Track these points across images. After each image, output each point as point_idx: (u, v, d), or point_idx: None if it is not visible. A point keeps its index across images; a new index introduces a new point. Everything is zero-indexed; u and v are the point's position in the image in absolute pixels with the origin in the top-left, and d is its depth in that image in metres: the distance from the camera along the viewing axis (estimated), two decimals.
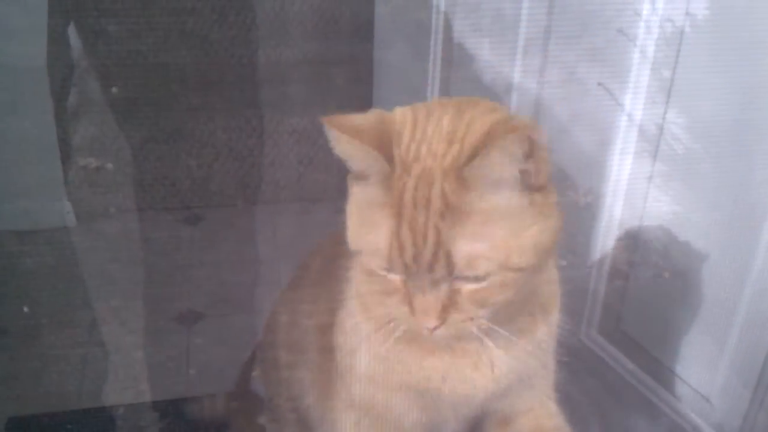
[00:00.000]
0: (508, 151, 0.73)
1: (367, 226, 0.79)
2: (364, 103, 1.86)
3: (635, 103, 1.26)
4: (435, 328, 0.78)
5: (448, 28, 1.55)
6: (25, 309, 1.79)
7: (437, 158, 0.76)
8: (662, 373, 1.23)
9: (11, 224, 2.02)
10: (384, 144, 0.77)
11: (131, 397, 1.63)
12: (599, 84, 1.32)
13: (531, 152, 0.75)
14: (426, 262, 0.75)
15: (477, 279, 0.76)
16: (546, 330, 0.90)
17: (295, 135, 2.16)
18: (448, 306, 0.77)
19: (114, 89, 1.95)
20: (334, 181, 2.20)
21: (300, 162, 2.18)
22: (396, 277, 0.78)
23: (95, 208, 2.09)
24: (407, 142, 0.78)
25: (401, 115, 0.81)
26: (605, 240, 1.27)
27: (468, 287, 0.77)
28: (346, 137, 0.77)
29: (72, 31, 1.88)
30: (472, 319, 0.78)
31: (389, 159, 0.76)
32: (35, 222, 2.04)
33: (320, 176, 2.21)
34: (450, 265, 0.75)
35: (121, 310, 1.83)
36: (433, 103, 0.82)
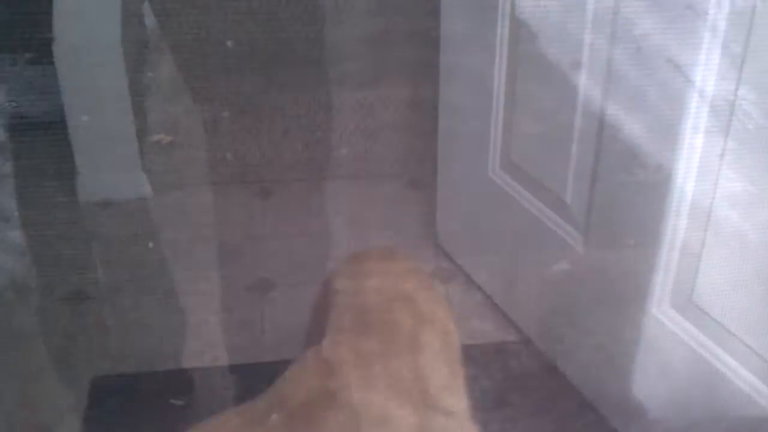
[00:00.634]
0: None
1: None
2: (431, 80, 1.90)
3: (706, 79, 1.26)
4: None
5: (513, 3, 1.57)
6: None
7: None
8: (735, 345, 1.26)
9: (92, 196, 2.12)
10: None
11: (208, 360, 1.71)
12: (668, 60, 1.33)
13: None
14: None
15: None
16: None
17: (362, 110, 2.21)
18: None
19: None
20: (401, 156, 2.26)
21: (368, 137, 2.23)
22: None
23: (170, 180, 2.18)
24: None
25: None
26: (676, 218, 1.29)
27: None
28: None
29: (147, 9, 1.95)
30: None
31: None
32: (114, 193, 2.14)
33: (387, 151, 2.26)
34: None
35: (196, 278, 1.91)
36: None
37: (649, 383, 1.46)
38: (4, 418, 1.53)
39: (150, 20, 1.98)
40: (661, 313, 1.38)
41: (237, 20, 2.06)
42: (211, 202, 2.17)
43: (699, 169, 1.26)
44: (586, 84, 1.40)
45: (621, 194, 1.40)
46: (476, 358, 1.76)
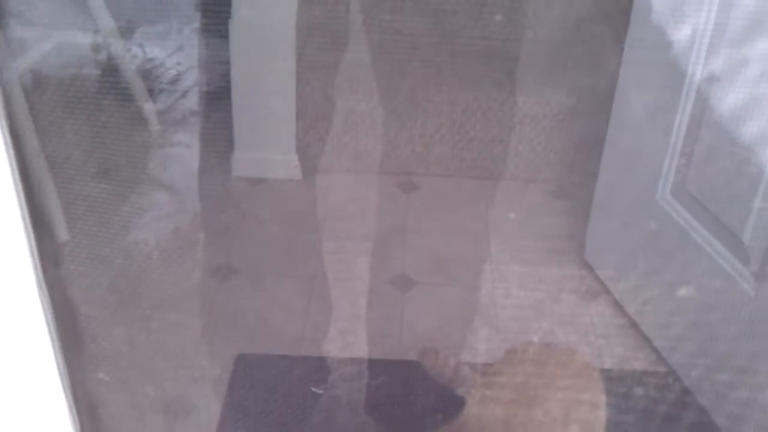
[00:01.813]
0: None
1: None
2: (607, 89, 1.83)
3: None
4: None
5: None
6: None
7: None
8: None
9: (244, 171, 2.16)
10: None
11: (348, 351, 1.73)
12: None
13: None
14: None
15: None
16: None
17: (519, 115, 2.17)
18: None
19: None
20: (550, 164, 2.21)
21: (520, 141, 2.18)
22: None
23: (320, 165, 2.20)
24: None
25: None
26: None
27: None
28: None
29: None
30: None
31: None
32: (265, 171, 2.18)
33: (537, 158, 2.21)
34: None
35: (339, 266, 1.92)
36: None
37: None
38: (147, 391, 1.57)
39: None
40: None
41: (406, 11, 2.06)
42: (356, 190, 2.18)
43: None
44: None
45: None
46: (615, 385, 1.72)
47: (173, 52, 2.01)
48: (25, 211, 0.86)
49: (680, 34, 1.53)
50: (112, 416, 1.43)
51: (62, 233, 1.72)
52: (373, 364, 1.70)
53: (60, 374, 0.80)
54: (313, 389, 1.61)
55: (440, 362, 1.02)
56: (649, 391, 1.67)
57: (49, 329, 0.81)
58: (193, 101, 1.98)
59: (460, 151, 2.21)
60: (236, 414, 1.57)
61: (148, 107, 2.02)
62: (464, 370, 1.05)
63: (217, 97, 1.99)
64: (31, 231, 0.90)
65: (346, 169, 2.21)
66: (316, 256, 1.95)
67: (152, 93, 2.01)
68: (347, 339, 1.76)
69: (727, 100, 1.46)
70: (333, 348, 1.73)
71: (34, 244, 0.94)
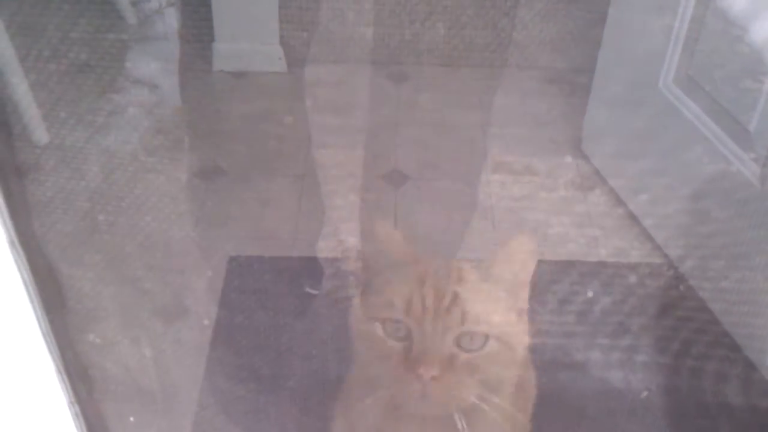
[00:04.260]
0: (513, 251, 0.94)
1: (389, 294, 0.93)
2: None
3: None
4: (433, 379, 0.88)
5: None
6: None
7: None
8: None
9: (226, 65, 2.07)
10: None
11: (341, 249, 1.69)
12: None
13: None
14: (444, 308, 0.90)
15: (475, 348, 0.90)
16: None
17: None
18: (447, 365, 0.89)
19: None
20: (547, 49, 2.12)
21: (514, 27, 2.09)
22: (396, 343, 0.91)
23: (305, 56, 2.11)
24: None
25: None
26: None
27: (464, 355, 0.90)
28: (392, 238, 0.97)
29: None
30: (464, 390, 0.91)
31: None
32: (248, 64, 2.08)
33: (533, 43, 2.12)
34: (463, 314, 0.90)
35: (329, 163, 1.87)
36: None
37: None
38: (140, 293, 1.55)
39: None
40: None
41: None
42: (345, 81, 2.10)
43: None
44: None
45: None
46: (612, 276, 1.70)
47: None
48: None
49: None
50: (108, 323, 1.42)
51: (42, 136, 1.66)
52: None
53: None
54: (308, 290, 1.58)
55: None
56: (645, 281, 1.67)
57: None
58: None
59: (451, 38, 2.12)
60: (231, 315, 1.56)
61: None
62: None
63: None
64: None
65: (332, 59, 2.12)
66: (304, 153, 1.89)
67: None
68: (340, 237, 1.73)
69: None
70: (326, 247, 1.70)
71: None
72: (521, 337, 0.95)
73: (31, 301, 0.75)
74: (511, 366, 0.96)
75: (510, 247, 0.95)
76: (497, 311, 0.93)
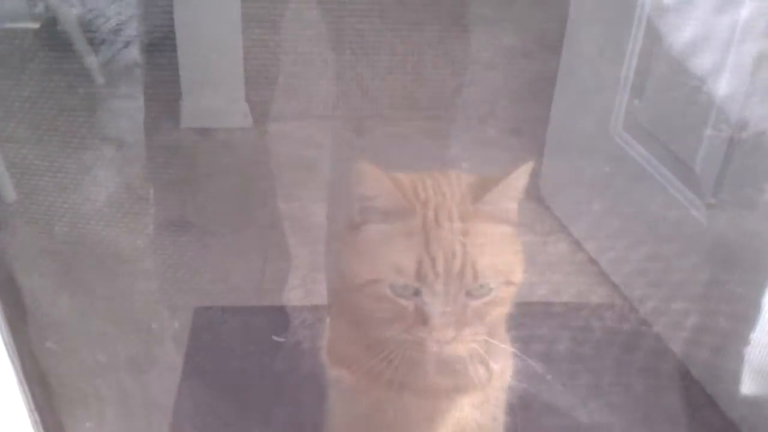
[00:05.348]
0: (516, 183, 0.90)
1: (389, 254, 0.90)
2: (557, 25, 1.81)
3: None
4: (450, 341, 0.89)
5: None
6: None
7: (450, 196, 0.92)
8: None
9: (193, 121, 2.11)
10: (404, 188, 0.92)
11: (309, 298, 1.71)
12: None
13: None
14: (456, 271, 0.88)
15: (484, 294, 0.90)
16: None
17: (472, 56, 2.14)
18: (461, 320, 0.89)
19: None
20: (505, 102, 2.18)
21: (473, 81, 2.16)
22: (406, 302, 0.89)
23: (270, 112, 2.16)
24: (421, 188, 0.93)
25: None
26: None
27: (475, 302, 0.90)
28: (379, 178, 0.90)
29: None
30: (477, 335, 0.91)
31: (410, 199, 0.91)
32: (215, 120, 2.13)
33: (493, 96, 2.19)
34: (475, 273, 0.88)
35: (296, 213, 1.90)
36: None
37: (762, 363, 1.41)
38: (106, 343, 1.55)
39: None
40: None
41: None
42: (309, 135, 2.14)
43: None
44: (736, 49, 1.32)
45: (758, 170, 1.33)
46: (574, 317, 1.74)
47: (114, 0, 1.94)
48: None
49: None
50: (71, 373, 1.42)
51: (9, 194, 1.68)
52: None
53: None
54: (275, 338, 1.60)
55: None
56: (606, 323, 1.70)
57: None
58: (136, 52, 1.91)
59: (413, 92, 2.18)
60: (197, 366, 1.56)
61: (90, 60, 1.96)
62: None
63: (162, 47, 1.93)
64: None
65: (296, 114, 2.17)
66: (271, 205, 1.92)
67: (94, 45, 1.95)
68: (307, 287, 1.75)
69: (678, 33, 1.46)
70: (293, 297, 1.72)
71: None
72: (521, 271, 0.94)
73: None
74: (512, 300, 0.96)
75: (516, 172, 0.90)
76: (503, 252, 0.92)
